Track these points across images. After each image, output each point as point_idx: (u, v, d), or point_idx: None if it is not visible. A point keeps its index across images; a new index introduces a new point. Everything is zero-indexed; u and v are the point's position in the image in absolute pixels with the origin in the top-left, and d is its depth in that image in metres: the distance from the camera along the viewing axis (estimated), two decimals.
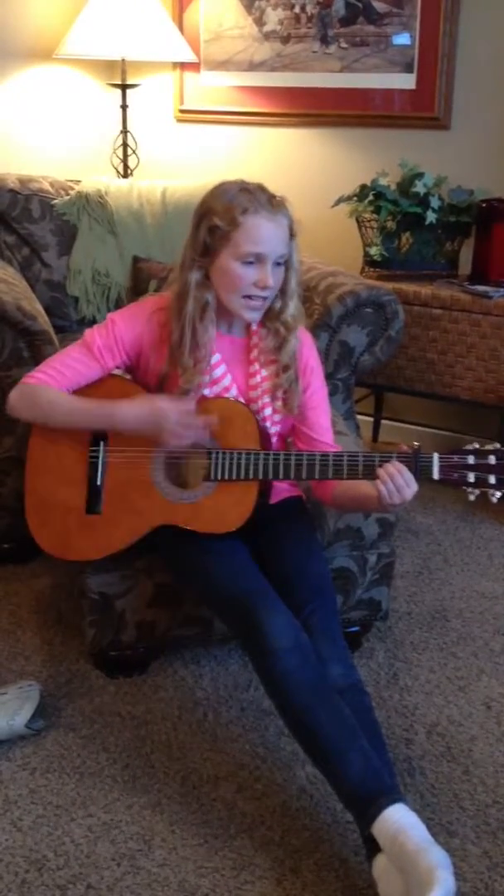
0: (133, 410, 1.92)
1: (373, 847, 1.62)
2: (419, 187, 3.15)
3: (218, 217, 1.86)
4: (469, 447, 1.83)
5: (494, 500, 1.81)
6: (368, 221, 3.28)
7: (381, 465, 1.81)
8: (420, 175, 3.19)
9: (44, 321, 2.57)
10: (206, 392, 1.98)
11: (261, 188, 1.89)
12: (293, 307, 1.97)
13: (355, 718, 1.73)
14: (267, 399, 2.01)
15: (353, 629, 2.34)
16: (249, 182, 1.91)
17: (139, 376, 2.03)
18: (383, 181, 3.22)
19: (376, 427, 3.69)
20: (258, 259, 1.86)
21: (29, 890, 1.66)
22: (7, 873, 1.69)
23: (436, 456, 1.82)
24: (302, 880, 1.70)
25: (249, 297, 1.90)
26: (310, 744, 1.73)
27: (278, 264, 1.89)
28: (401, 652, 2.38)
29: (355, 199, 3.26)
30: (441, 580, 2.73)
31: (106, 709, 2.13)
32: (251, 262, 1.86)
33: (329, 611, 1.92)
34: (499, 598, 2.64)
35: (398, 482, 1.79)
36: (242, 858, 1.74)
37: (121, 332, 1.97)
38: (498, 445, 1.82)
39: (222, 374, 1.99)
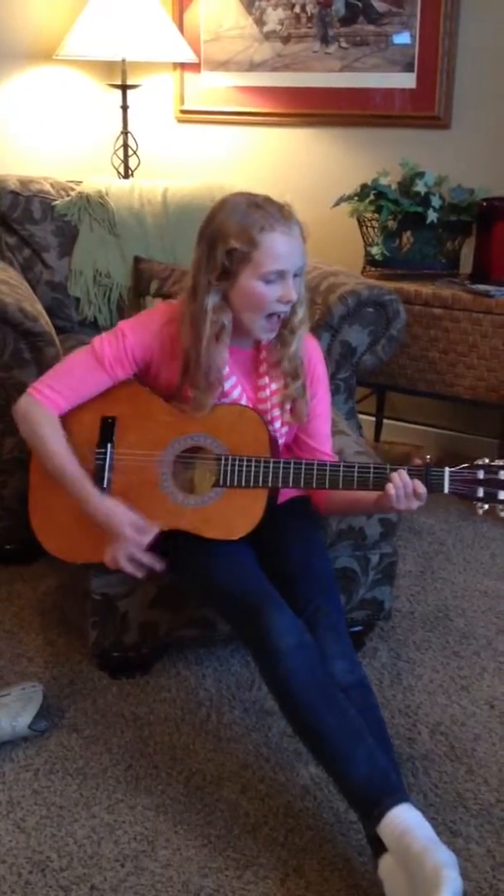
0: (101, 511, 1.93)
1: (378, 847, 1.62)
2: (420, 186, 3.15)
3: (234, 239, 1.82)
4: (479, 462, 1.84)
5: (503, 514, 1.84)
6: (369, 221, 3.28)
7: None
8: (421, 174, 3.19)
9: (45, 322, 2.57)
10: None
11: (268, 200, 1.86)
12: (302, 313, 1.96)
13: (360, 715, 1.73)
14: (277, 412, 2.01)
15: (356, 629, 2.34)
16: (254, 195, 1.88)
17: (148, 383, 2.02)
18: (384, 180, 3.22)
19: (378, 426, 3.69)
20: (280, 275, 1.85)
21: (32, 891, 1.66)
22: (10, 874, 1.69)
23: (447, 471, 1.83)
24: (306, 880, 1.70)
25: (272, 314, 1.89)
26: (315, 744, 1.73)
27: (297, 275, 1.89)
28: (404, 651, 2.38)
29: (356, 198, 3.26)
30: (443, 579, 2.73)
31: (109, 710, 2.13)
32: (273, 280, 1.85)
33: (334, 608, 1.92)
34: (501, 597, 2.64)
35: (408, 492, 1.81)
36: (246, 859, 1.74)
37: (130, 343, 1.95)
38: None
39: (232, 387, 1.98)
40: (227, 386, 1.98)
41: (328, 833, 1.80)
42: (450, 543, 2.95)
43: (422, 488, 1.82)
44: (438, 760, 2.00)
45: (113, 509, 1.93)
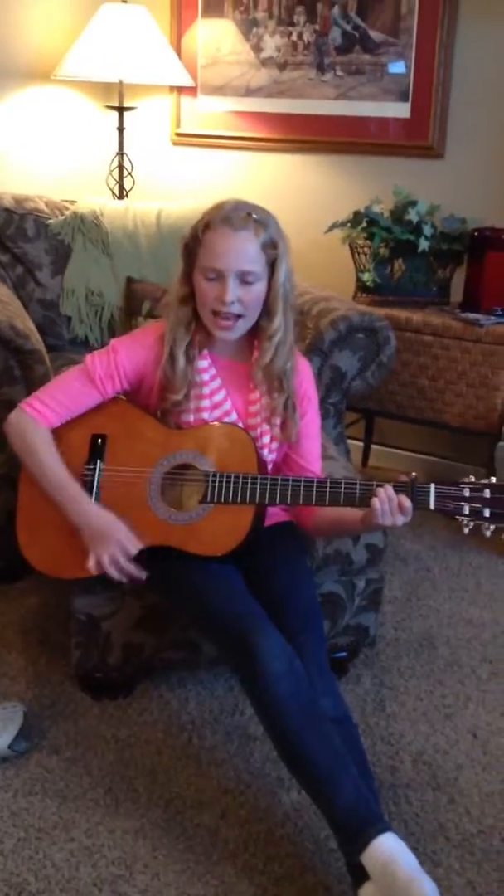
0: (94, 517, 1.94)
1: (360, 875, 1.61)
2: (412, 215, 3.17)
3: (188, 234, 1.92)
4: (465, 479, 1.84)
5: (488, 533, 1.82)
6: (361, 247, 3.30)
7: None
8: (413, 203, 3.21)
9: (36, 340, 2.57)
10: (206, 416, 1.98)
11: (236, 206, 1.90)
12: (276, 323, 1.95)
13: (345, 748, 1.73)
14: (266, 426, 2.01)
15: (340, 655, 2.33)
16: (235, 200, 1.92)
17: (140, 400, 2.03)
18: (377, 208, 3.25)
19: (366, 452, 3.69)
20: (218, 274, 1.88)
21: None
22: None
23: (433, 486, 1.82)
24: None
25: (216, 313, 1.91)
26: (301, 769, 1.72)
27: (247, 282, 1.89)
28: (388, 679, 2.37)
29: (349, 225, 3.28)
30: (429, 607, 2.73)
31: (90, 731, 2.11)
32: (213, 278, 1.89)
33: (318, 641, 1.91)
34: (486, 626, 2.64)
35: (393, 507, 1.80)
36: (225, 885, 1.73)
37: (122, 360, 1.97)
38: (494, 480, 1.83)
39: (222, 400, 1.99)
40: (218, 398, 1.99)
41: (308, 861, 1.79)
42: (436, 571, 2.95)
43: (407, 503, 1.80)
44: (420, 789, 1.99)
45: (105, 515, 1.94)
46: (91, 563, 1.93)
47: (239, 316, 1.91)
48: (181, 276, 1.96)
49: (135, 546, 1.93)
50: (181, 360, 1.95)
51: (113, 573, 1.93)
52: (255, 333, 1.98)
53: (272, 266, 1.91)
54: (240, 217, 1.87)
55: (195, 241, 1.90)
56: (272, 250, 1.90)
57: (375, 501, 1.80)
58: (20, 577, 2.65)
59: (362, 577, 2.27)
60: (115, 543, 1.92)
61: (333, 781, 1.67)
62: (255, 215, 1.88)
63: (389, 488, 1.81)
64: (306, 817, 1.87)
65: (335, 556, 2.21)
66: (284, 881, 1.74)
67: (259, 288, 1.91)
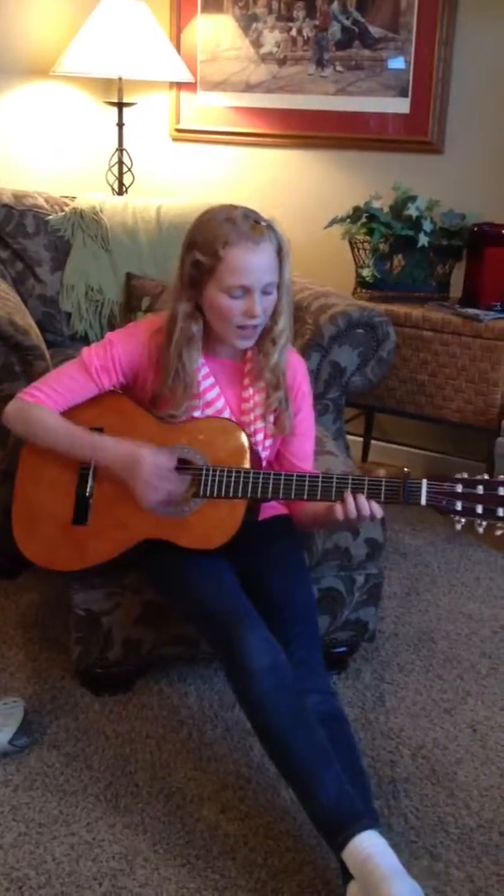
0: (115, 450, 1.93)
1: (347, 873, 1.61)
2: (412, 210, 3.17)
3: (200, 251, 1.86)
4: (458, 475, 1.83)
5: (480, 529, 1.82)
6: (361, 243, 3.30)
7: (356, 496, 1.83)
8: (413, 198, 3.21)
9: (36, 336, 2.57)
10: (198, 414, 1.98)
11: (245, 215, 1.87)
12: (282, 323, 1.96)
13: (332, 744, 1.72)
14: (260, 423, 2.01)
15: (340, 650, 2.34)
16: (236, 207, 1.90)
17: (135, 394, 2.03)
18: (376, 204, 3.25)
19: (366, 447, 3.70)
20: (244, 291, 1.86)
21: None
22: None
23: (424, 482, 1.82)
24: None
25: (242, 326, 1.90)
26: (284, 765, 1.73)
27: (267, 293, 1.89)
28: (387, 673, 2.38)
29: (348, 220, 3.28)
30: (428, 602, 2.73)
31: (90, 727, 2.12)
32: (239, 295, 1.86)
33: (311, 640, 1.91)
34: (486, 621, 2.64)
35: (362, 508, 1.82)
36: (225, 880, 1.73)
37: (118, 353, 1.97)
38: (486, 476, 1.83)
39: (215, 397, 2.00)
40: (211, 396, 1.99)
41: (307, 855, 1.79)
42: (435, 566, 2.95)
43: (365, 510, 1.82)
44: (420, 783, 2.00)
45: (126, 446, 1.92)
46: (144, 502, 1.90)
47: (256, 326, 1.92)
48: (184, 293, 1.91)
49: (167, 461, 1.91)
50: (191, 377, 1.94)
51: (160, 493, 1.90)
52: None
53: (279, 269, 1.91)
54: (259, 228, 1.86)
55: (214, 259, 1.85)
56: (281, 254, 1.90)
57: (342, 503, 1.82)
58: (20, 573, 2.66)
59: (362, 571, 2.27)
60: (146, 470, 1.89)
61: (315, 779, 1.67)
62: (263, 222, 1.87)
63: (360, 498, 1.82)
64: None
65: (334, 551, 2.22)
66: (284, 875, 1.75)
67: (276, 294, 1.92)
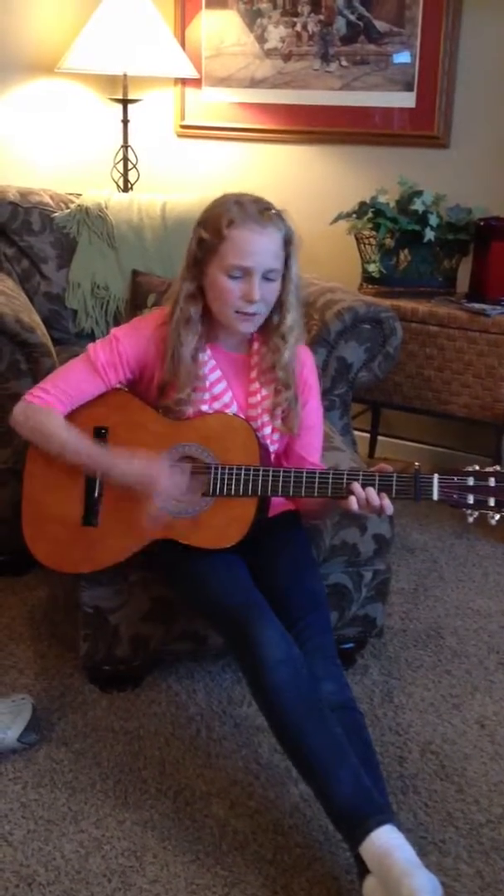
0: (128, 467, 1.92)
1: (363, 867, 1.61)
2: (418, 205, 3.17)
3: (205, 230, 1.88)
4: (469, 468, 1.82)
5: (493, 522, 1.80)
6: (367, 238, 3.30)
7: (379, 493, 1.82)
8: (419, 193, 3.20)
9: (42, 333, 2.58)
10: (206, 408, 1.98)
11: (255, 201, 1.88)
12: (290, 319, 1.96)
13: (347, 737, 1.72)
14: (266, 418, 2.01)
15: (348, 646, 2.34)
16: (248, 194, 1.91)
17: (141, 389, 2.03)
18: (382, 198, 3.24)
19: (373, 443, 3.69)
20: (245, 272, 1.86)
21: None
22: None
23: (436, 477, 1.81)
24: None
25: (240, 312, 1.90)
26: (299, 760, 1.72)
27: (269, 279, 1.89)
28: (395, 669, 2.38)
29: (354, 215, 3.28)
30: (436, 597, 2.73)
31: (99, 723, 2.12)
32: (238, 276, 1.86)
33: (322, 628, 1.91)
34: (493, 616, 2.64)
35: (364, 504, 1.81)
36: (234, 876, 1.73)
37: (124, 348, 1.97)
38: (498, 468, 1.81)
39: (223, 391, 1.99)
40: (218, 389, 1.99)
41: (317, 851, 1.79)
42: (443, 561, 2.95)
43: (375, 501, 1.81)
44: (428, 779, 2.00)
45: (139, 463, 1.91)
46: (151, 513, 1.90)
47: (256, 312, 1.91)
48: (188, 272, 1.93)
49: (182, 473, 1.91)
50: (187, 359, 1.94)
51: (174, 506, 1.91)
52: (260, 326, 1.98)
53: (286, 260, 1.91)
54: (268, 213, 1.86)
55: (217, 238, 1.85)
56: (289, 245, 1.90)
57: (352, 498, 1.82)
58: (27, 570, 2.66)
59: (369, 567, 2.27)
60: (160, 486, 1.89)
61: (332, 772, 1.67)
62: (273, 210, 1.88)
63: (371, 491, 1.81)
64: (315, 808, 1.87)
65: (342, 546, 2.22)
66: (293, 871, 1.75)
67: (278, 284, 1.91)
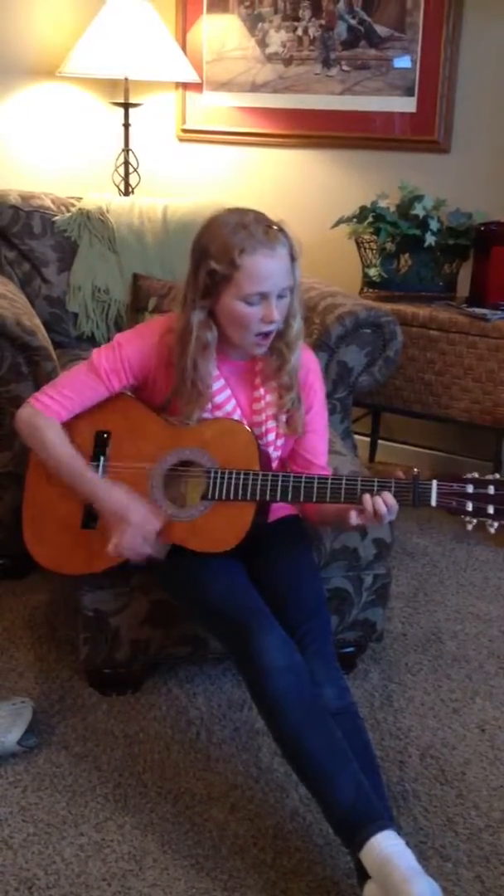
0: (110, 502, 1.93)
1: (363, 873, 1.61)
2: (418, 210, 3.17)
3: (215, 260, 1.84)
4: (469, 475, 1.81)
5: (492, 530, 1.80)
6: (368, 243, 3.30)
7: (378, 493, 1.81)
8: (419, 198, 3.21)
9: (43, 337, 2.58)
10: (207, 416, 1.98)
11: (257, 220, 1.86)
12: (297, 326, 1.96)
13: (348, 742, 1.72)
14: (272, 423, 2.01)
15: (348, 650, 2.34)
16: (246, 212, 1.88)
17: (145, 396, 2.03)
18: (383, 203, 3.24)
19: (373, 447, 3.70)
20: (262, 297, 1.85)
21: None
22: None
23: (434, 483, 1.81)
24: None
25: (260, 333, 1.89)
26: (300, 765, 1.72)
27: (282, 297, 1.89)
28: (395, 674, 2.38)
29: (355, 220, 3.28)
30: (436, 602, 2.73)
31: (99, 727, 2.12)
32: (255, 302, 1.85)
33: (323, 632, 1.91)
34: (493, 621, 2.64)
35: (380, 510, 1.80)
36: (234, 880, 1.73)
37: (128, 355, 1.97)
38: (497, 476, 1.81)
39: (226, 399, 1.99)
40: (220, 398, 1.99)
41: (317, 856, 1.79)
42: (443, 566, 2.95)
43: (392, 501, 1.81)
44: (428, 784, 2.00)
45: (122, 500, 1.93)
46: (110, 548, 1.92)
47: (272, 331, 1.91)
48: (198, 303, 1.89)
49: (153, 525, 1.92)
50: (199, 387, 1.93)
51: (130, 556, 1.93)
52: None
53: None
54: (273, 232, 1.84)
55: (231, 268, 1.83)
56: (295, 259, 1.89)
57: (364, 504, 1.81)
58: (27, 574, 2.66)
59: (370, 572, 2.27)
60: (136, 527, 1.90)
61: (332, 778, 1.67)
62: (275, 226, 1.86)
63: (378, 498, 1.80)
64: (315, 812, 1.87)
65: (342, 551, 2.22)
66: (293, 876, 1.75)
67: (289, 297, 1.91)
